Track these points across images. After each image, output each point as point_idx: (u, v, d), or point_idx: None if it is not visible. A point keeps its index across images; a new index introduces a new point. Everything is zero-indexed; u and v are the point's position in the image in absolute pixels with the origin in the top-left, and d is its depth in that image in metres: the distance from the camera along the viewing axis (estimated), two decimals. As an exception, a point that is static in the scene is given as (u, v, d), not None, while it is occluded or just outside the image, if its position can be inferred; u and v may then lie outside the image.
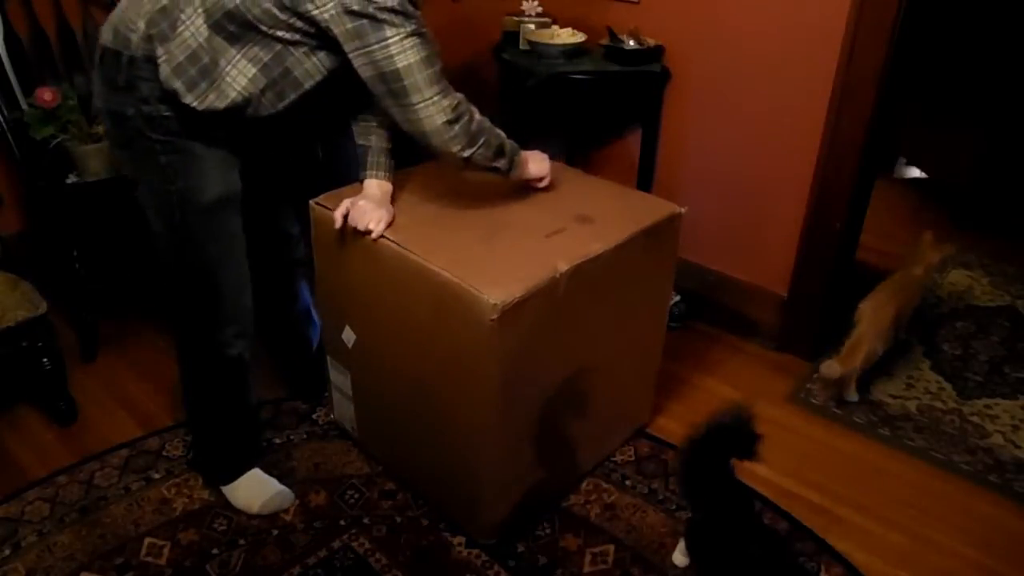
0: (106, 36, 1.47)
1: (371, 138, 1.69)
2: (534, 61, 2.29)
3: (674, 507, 1.84)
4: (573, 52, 2.31)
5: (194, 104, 1.43)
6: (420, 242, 1.57)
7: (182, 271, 1.62)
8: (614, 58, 2.30)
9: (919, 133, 3.65)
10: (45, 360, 2.03)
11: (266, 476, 1.85)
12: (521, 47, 2.41)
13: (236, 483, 1.82)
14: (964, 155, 3.50)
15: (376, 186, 1.69)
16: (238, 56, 1.43)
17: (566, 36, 2.36)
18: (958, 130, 3.50)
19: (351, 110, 1.68)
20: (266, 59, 1.44)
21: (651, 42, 2.32)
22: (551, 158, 1.82)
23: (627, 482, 1.92)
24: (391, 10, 1.38)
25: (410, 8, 1.41)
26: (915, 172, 3.81)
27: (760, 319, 2.46)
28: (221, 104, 1.44)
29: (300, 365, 2.14)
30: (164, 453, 1.98)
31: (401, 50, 1.40)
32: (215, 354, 1.68)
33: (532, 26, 2.42)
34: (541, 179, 1.78)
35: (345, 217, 1.62)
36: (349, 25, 1.38)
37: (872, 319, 2.19)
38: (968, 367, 2.42)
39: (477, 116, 1.54)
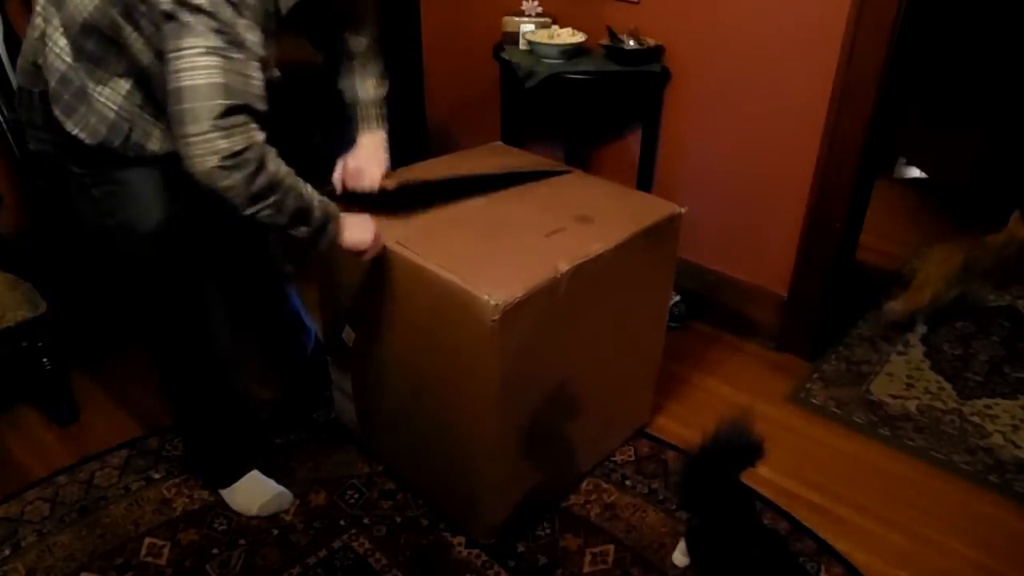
0: (19, 76, 1.42)
1: (358, 93, 1.61)
2: (534, 61, 2.29)
3: (674, 507, 1.84)
4: (573, 52, 2.31)
5: (77, 134, 1.34)
6: (420, 242, 1.57)
7: (144, 296, 1.58)
8: (614, 58, 2.30)
9: (919, 133, 3.64)
10: (45, 360, 2.03)
11: (264, 478, 1.84)
12: (521, 47, 2.41)
13: (234, 486, 1.82)
14: (964, 155, 3.50)
15: (367, 138, 1.62)
16: (106, 74, 1.32)
17: (566, 36, 2.36)
18: (958, 130, 3.50)
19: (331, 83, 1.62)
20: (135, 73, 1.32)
21: (651, 42, 2.32)
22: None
23: (627, 482, 1.92)
24: (196, 8, 1.14)
25: (226, 14, 1.16)
26: (915, 172, 3.81)
27: (760, 319, 2.46)
28: (103, 129, 1.34)
29: (296, 370, 2.13)
30: (164, 453, 1.98)
31: (191, 67, 1.16)
32: (191, 362, 1.66)
33: (532, 26, 2.42)
34: (361, 252, 1.51)
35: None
36: (164, 27, 1.18)
37: (939, 261, 2.24)
38: (968, 367, 2.42)
39: (272, 170, 1.26)
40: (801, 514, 1.83)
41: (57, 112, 1.34)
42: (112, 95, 1.34)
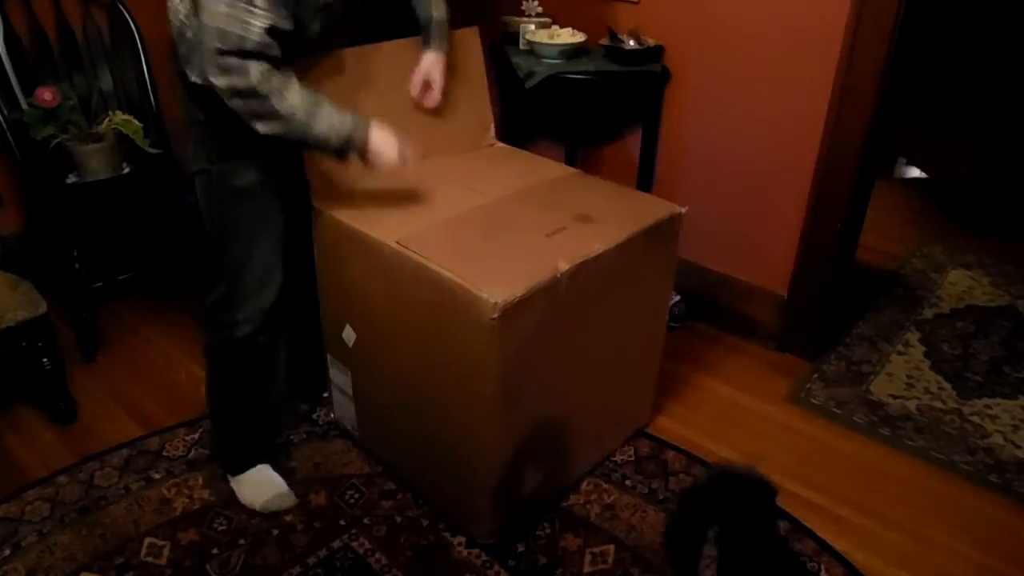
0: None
1: (432, 12, 1.75)
2: (534, 61, 2.29)
3: (672, 505, 1.84)
4: (573, 52, 2.31)
5: (194, 79, 1.45)
6: (420, 241, 1.57)
7: (211, 244, 1.64)
8: (614, 58, 2.30)
9: (919, 133, 3.65)
10: (45, 360, 2.03)
11: (273, 474, 1.86)
12: (521, 47, 2.41)
13: (243, 476, 1.84)
14: (964, 155, 3.50)
15: (437, 55, 1.80)
16: None
17: (566, 36, 2.36)
18: (958, 130, 3.50)
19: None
20: None
21: (651, 42, 2.32)
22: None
23: (627, 482, 1.92)
24: None
25: None
26: (915, 172, 3.81)
27: (760, 319, 2.46)
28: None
29: (306, 362, 2.12)
30: (164, 453, 1.98)
31: (205, 5, 1.34)
32: (225, 335, 1.69)
33: (532, 26, 2.42)
34: (385, 161, 1.59)
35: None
36: None
37: None
38: (968, 367, 2.42)
39: (275, 107, 1.42)
40: (801, 514, 1.83)
41: (179, 62, 1.47)
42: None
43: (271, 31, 1.36)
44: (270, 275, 1.66)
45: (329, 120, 1.47)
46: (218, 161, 1.56)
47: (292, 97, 1.42)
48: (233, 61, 1.35)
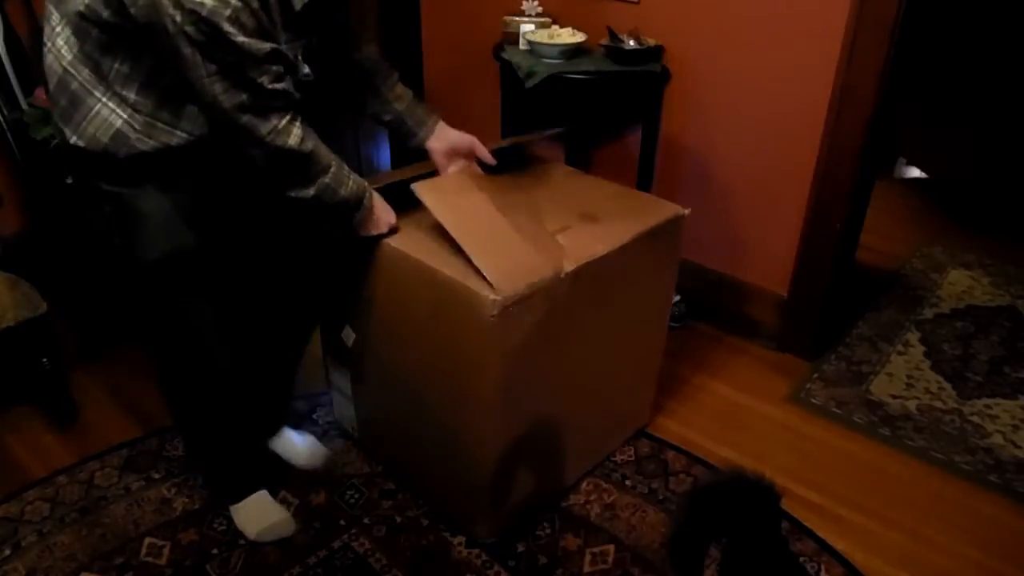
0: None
1: (396, 105, 1.65)
2: (534, 61, 2.29)
3: (674, 507, 1.84)
4: (573, 52, 2.31)
5: (75, 142, 1.29)
6: (421, 239, 1.57)
7: (145, 310, 1.56)
8: (614, 58, 2.30)
9: (919, 133, 3.65)
10: (45, 360, 2.03)
11: (271, 501, 1.78)
12: (521, 47, 2.40)
13: (239, 505, 1.76)
14: (964, 155, 3.50)
15: (437, 128, 1.68)
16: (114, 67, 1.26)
17: (566, 36, 2.35)
18: (958, 130, 3.50)
19: (342, 97, 1.63)
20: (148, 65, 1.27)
21: (651, 42, 2.32)
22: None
23: (627, 482, 1.92)
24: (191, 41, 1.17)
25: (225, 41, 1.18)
26: (915, 172, 3.81)
27: (760, 319, 2.46)
28: (105, 137, 1.29)
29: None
30: (164, 453, 1.98)
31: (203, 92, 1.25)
32: (190, 380, 1.63)
33: (532, 26, 2.42)
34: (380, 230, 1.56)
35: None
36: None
37: None
38: (968, 367, 2.42)
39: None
40: (801, 514, 1.83)
41: (56, 118, 1.30)
42: (117, 102, 1.29)
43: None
44: (219, 343, 1.59)
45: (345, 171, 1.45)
46: (123, 235, 1.40)
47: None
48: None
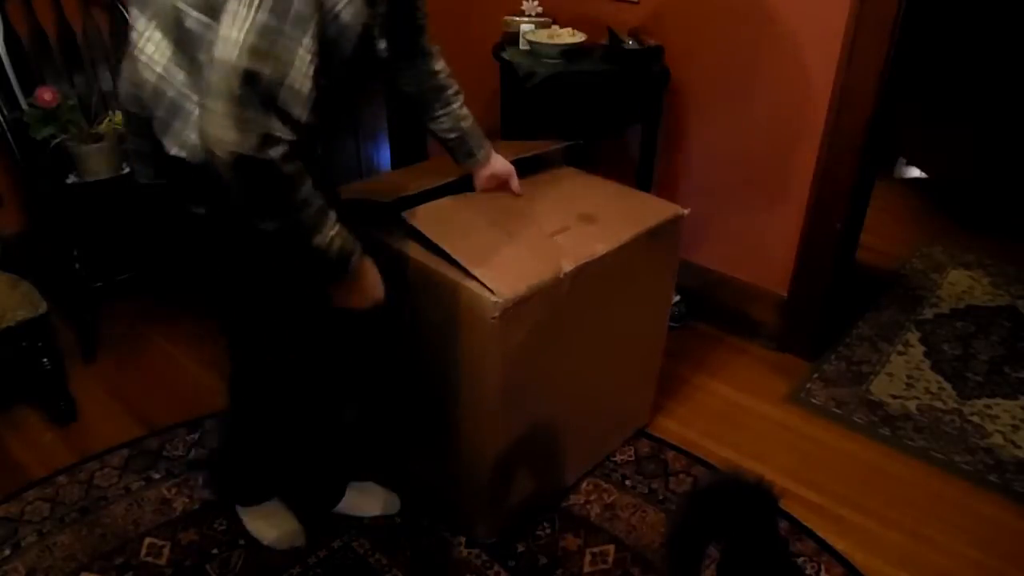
0: (122, 100, 1.32)
1: (461, 123, 1.61)
2: (534, 61, 2.29)
3: (674, 507, 1.84)
4: (573, 52, 2.31)
5: (176, 153, 1.17)
6: (422, 240, 1.57)
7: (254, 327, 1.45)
8: (614, 58, 2.30)
9: (919, 133, 3.65)
10: (45, 360, 2.03)
11: (285, 509, 1.76)
12: (521, 47, 2.40)
13: (254, 509, 1.75)
14: (964, 155, 3.50)
15: (489, 154, 1.68)
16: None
17: (566, 36, 2.35)
18: (958, 130, 3.50)
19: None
20: None
21: (651, 42, 2.32)
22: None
23: (627, 482, 1.92)
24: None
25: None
26: (915, 172, 3.81)
27: (760, 319, 2.46)
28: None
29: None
30: (164, 453, 1.98)
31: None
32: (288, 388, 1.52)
33: (532, 26, 2.42)
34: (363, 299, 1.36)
35: None
36: None
37: None
38: (968, 367, 2.42)
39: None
40: (800, 514, 1.83)
41: (155, 131, 1.17)
42: None
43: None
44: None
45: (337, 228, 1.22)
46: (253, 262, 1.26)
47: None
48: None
